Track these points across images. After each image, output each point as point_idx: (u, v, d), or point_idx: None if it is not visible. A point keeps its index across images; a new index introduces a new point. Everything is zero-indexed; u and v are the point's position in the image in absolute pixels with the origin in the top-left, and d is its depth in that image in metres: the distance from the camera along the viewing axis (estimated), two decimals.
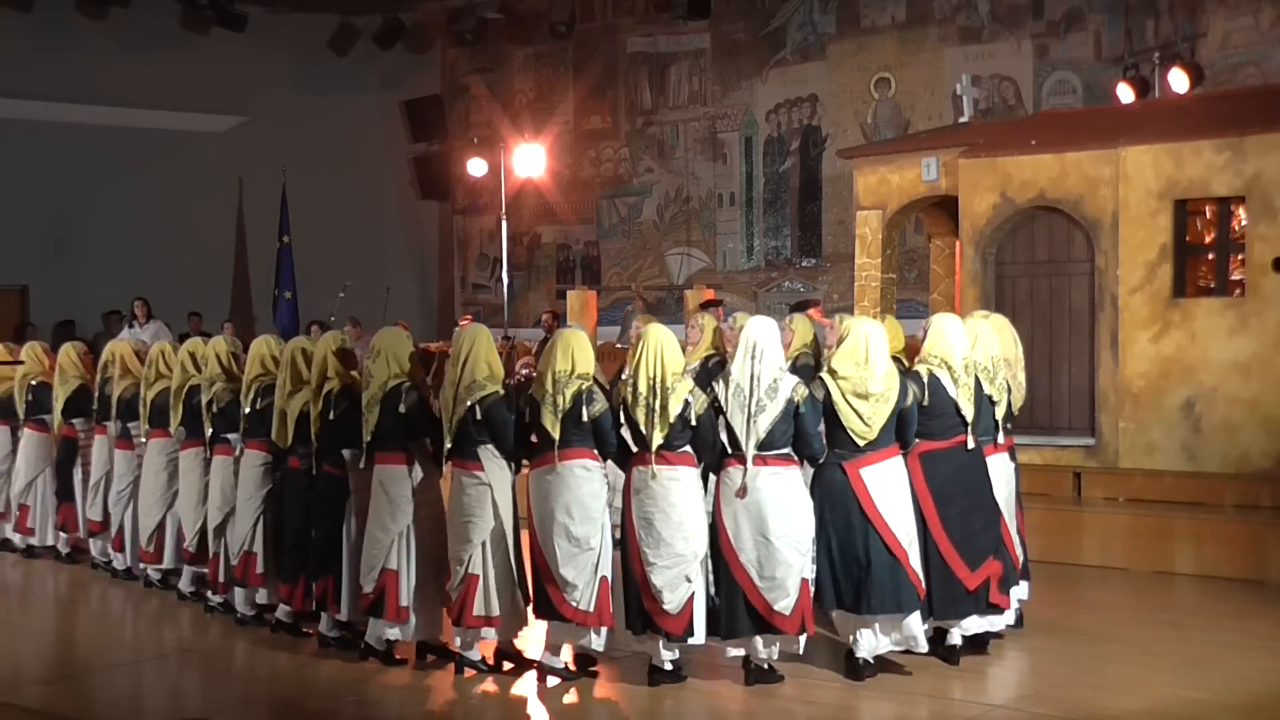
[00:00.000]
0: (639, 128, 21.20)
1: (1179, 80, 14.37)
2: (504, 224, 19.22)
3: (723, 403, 6.79)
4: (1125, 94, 14.92)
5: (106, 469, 9.90)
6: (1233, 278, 10.78)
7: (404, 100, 22.40)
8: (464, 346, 7.13)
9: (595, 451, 6.94)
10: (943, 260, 13.57)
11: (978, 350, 7.37)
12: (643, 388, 6.79)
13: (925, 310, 13.55)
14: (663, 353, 6.83)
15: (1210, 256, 10.98)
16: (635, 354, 6.91)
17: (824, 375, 7.01)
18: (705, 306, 13.47)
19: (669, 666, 6.91)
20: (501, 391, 7.05)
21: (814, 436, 6.84)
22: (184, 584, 9.17)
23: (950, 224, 12.69)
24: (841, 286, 17.63)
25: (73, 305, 19.31)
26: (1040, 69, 17.31)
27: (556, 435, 6.85)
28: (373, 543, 7.30)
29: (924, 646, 6.99)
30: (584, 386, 6.89)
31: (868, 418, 6.87)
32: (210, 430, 8.59)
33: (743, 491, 6.72)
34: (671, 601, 6.74)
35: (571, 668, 7.14)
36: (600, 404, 6.89)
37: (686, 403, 6.76)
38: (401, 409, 7.26)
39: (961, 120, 13.76)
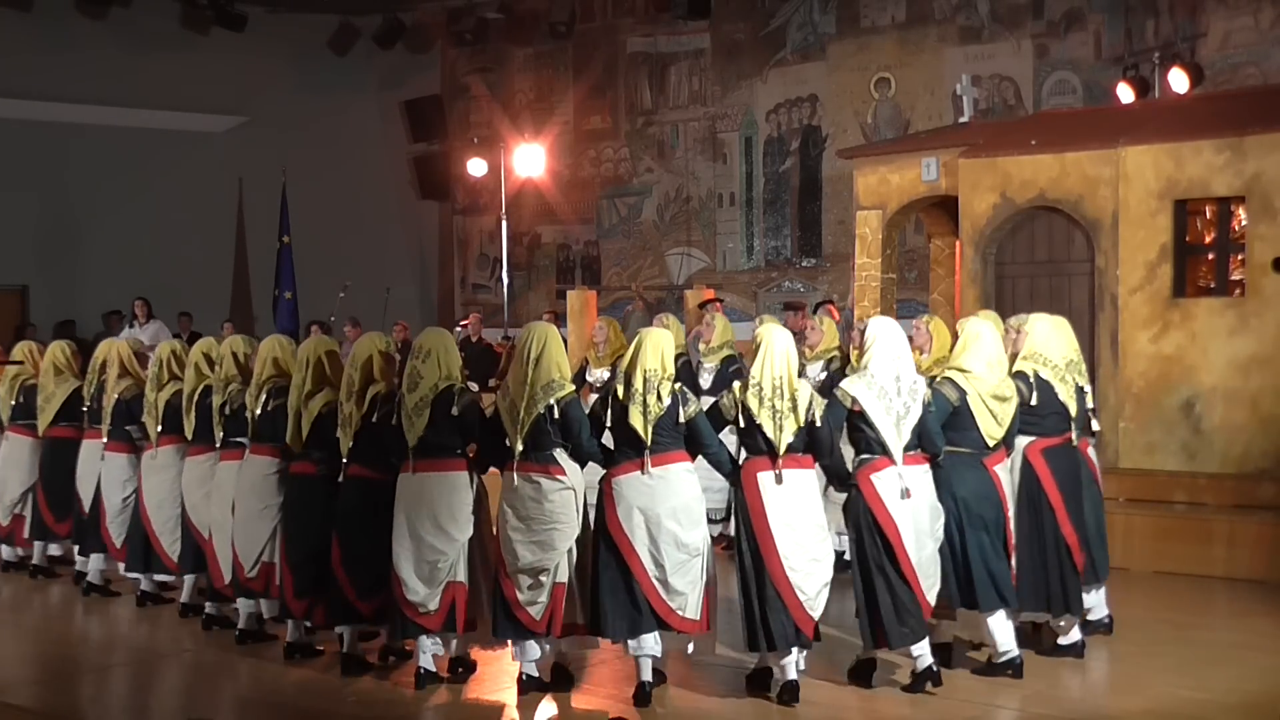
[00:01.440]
0: (639, 128, 21.20)
1: (1179, 80, 14.37)
2: (504, 224, 19.23)
3: (863, 404, 6.69)
4: (1125, 94, 14.91)
5: (98, 475, 9.31)
6: (1233, 278, 10.77)
7: (404, 100, 22.40)
8: (534, 345, 6.77)
9: (688, 453, 6.72)
10: (943, 260, 13.57)
11: (1065, 349, 7.48)
12: (768, 389, 6.60)
13: (925, 310, 13.56)
14: (788, 354, 6.68)
15: (1210, 256, 10.98)
16: (757, 355, 6.70)
17: (954, 376, 6.99)
18: (704, 305, 13.51)
19: (792, 676, 6.68)
20: (575, 391, 6.82)
21: (938, 435, 6.85)
22: (186, 596, 8.73)
23: (950, 224, 12.69)
24: (841, 286, 17.62)
25: (73, 305, 19.31)
26: (1040, 69, 17.31)
27: (648, 438, 6.59)
28: (432, 553, 6.88)
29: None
30: (676, 387, 6.71)
31: (1001, 418, 6.97)
32: (221, 434, 8.18)
33: (908, 493, 6.66)
34: (818, 606, 6.63)
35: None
36: (695, 405, 6.72)
37: (811, 404, 6.63)
38: (455, 411, 6.89)
39: (961, 120, 13.76)
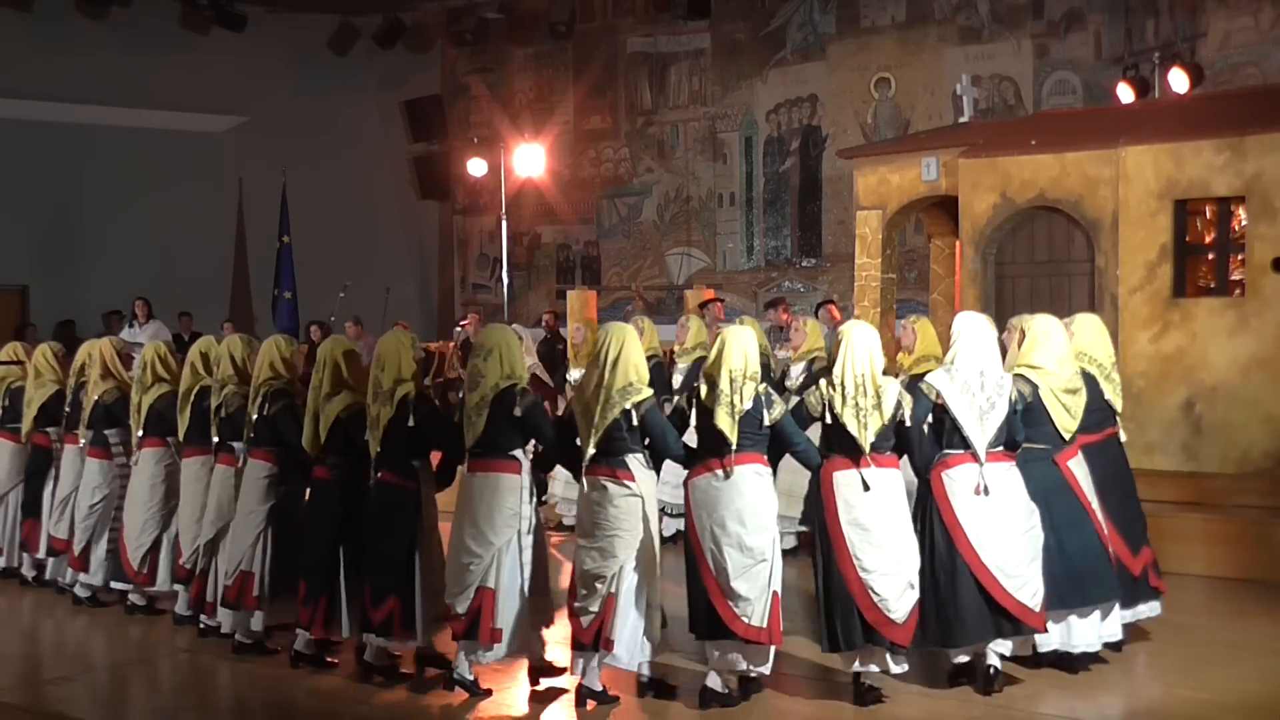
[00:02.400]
0: (639, 128, 21.20)
1: (1179, 80, 14.37)
2: (504, 224, 19.24)
3: (946, 398, 6.63)
4: (1125, 94, 14.91)
5: (77, 482, 9.04)
6: (1233, 278, 10.77)
7: (404, 100, 22.41)
8: (611, 346, 6.54)
9: (766, 456, 6.55)
10: (943, 260, 13.57)
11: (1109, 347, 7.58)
12: (851, 387, 6.49)
13: (925, 310, 13.55)
14: (871, 351, 6.56)
15: (1210, 256, 10.98)
16: (839, 353, 6.58)
17: (1024, 373, 6.94)
18: (704, 305, 13.52)
19: (897, 670, 6.53)
20: (654, 395, 6.61)
21: (1019, 430, 6.80)
22: (180, 607, 8.36)
23: (950, 224, 12.69)
24: (841, 286, 17.64)
25: (73, 305, 19.31)
26: (1040, 69, 17.32)
27: (734, 439, 6.41)
28: (466, 557, 6.70)
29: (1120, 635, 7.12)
30: (761, 388, 6.53)
31: (1074, 412, 6.98)
32: (216, 438, 7.92)
33: (981, 490, 6.58)
34: (899, 609, 6.44)
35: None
36: (780, 406, 6.57)
37: (899, 403, 6.53)
38: (517, 412, 6.68)
39: (961, 120, 13.76)
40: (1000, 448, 6.69)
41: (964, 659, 6.76)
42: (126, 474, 8.76)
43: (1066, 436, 7.02)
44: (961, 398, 6.62)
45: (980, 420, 6.61)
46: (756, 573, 6.37)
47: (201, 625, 8.07)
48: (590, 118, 21.67)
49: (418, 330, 12.97)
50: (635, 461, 6.52)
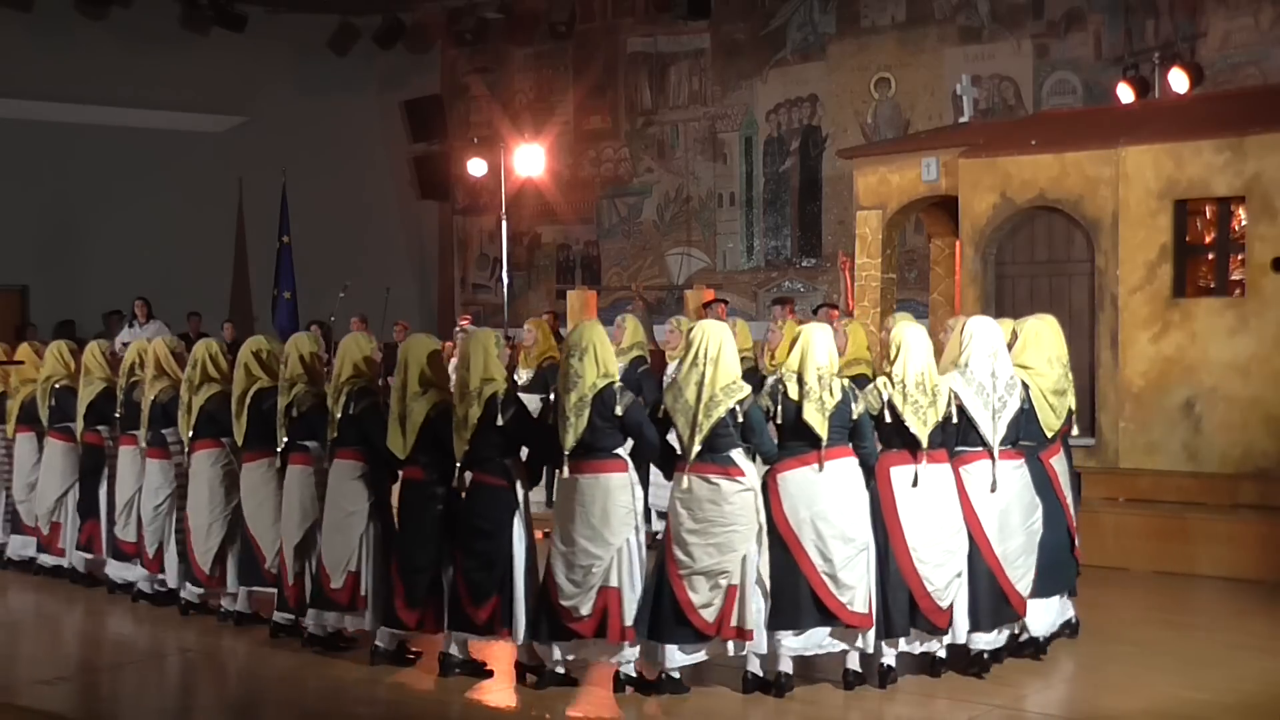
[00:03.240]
0: (639, 128, 21.20)
1: (1179, 80, 14.36)
2: (504, 224, 19.22)
3: (962, 399, 6.90)
4: (1125, 94, 14.91)
5: (139, 484, 8.91)
6: (1233, 278, 10.77)
7: (404, 100, 22.39)
8: (710, 344, 6.64)
9: (852, 448, 6.79)
10: (943, 260, 13.57)
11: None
12: (911, 385, 6.76)
13: (925, 310, 13.56)
14: (926, 351, 6.87)
15: (1210, 256, 10.98)
16: (898, 354, 6.85)
17: (1017, 373, 7.13)
18: (707, 306, 13.53)
19: (942, 654, 6.93)
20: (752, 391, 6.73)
21: (1023, 428, 7.13)
22: (241, 605, 8.33)
23: (950, 224, 12.69)
24: (841, 286, 17.63)
25: (73, 305, 19.30)
26: (1040, 69, 17.31)
27: (825, 434, 6.63)
28: (585, 559, 6.70)
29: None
30: (846, 384, 6.80)
31: (1059, 412, 7.24)
32: (286, 438, 7.78)
33: (994, 486, 6.90)
34: (948, 597, 6.80)
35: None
36: (863, 402, 6.81)
37: (950, 400, 6.85)
38: (618, 411, 6.68)
39: (961, 120, 13.76)
40: (1009, 445, 6.99)
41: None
42: (184, 473, 8.64)
43: (1050, 435, 7.32)
44: (976, 398, 6.90)
45: (994, 419, 6.91)
46: (859, 561, 6.67)
47: (277, 625, 7.96)
48: (590, 118, 21.66)
49: (417, 330, 12.93)
50: (740, 456, 6.66)
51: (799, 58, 19.43)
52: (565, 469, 6.75)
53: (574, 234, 21.95)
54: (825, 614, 6.64)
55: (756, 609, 6.62)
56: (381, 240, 22.62)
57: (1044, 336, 7.43)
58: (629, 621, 6.69)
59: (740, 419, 6.60)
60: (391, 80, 22.66)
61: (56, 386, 9.86)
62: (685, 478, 6.64)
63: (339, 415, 7.46)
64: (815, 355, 6.69)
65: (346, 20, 21.77)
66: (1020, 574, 6.98)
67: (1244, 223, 10.60)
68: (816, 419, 6.61)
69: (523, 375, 11.32)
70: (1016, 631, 7.18)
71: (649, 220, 21.10)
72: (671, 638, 6.65)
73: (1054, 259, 11.50)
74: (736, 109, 20.11)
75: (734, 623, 6.59)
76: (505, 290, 19.95)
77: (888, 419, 6.80)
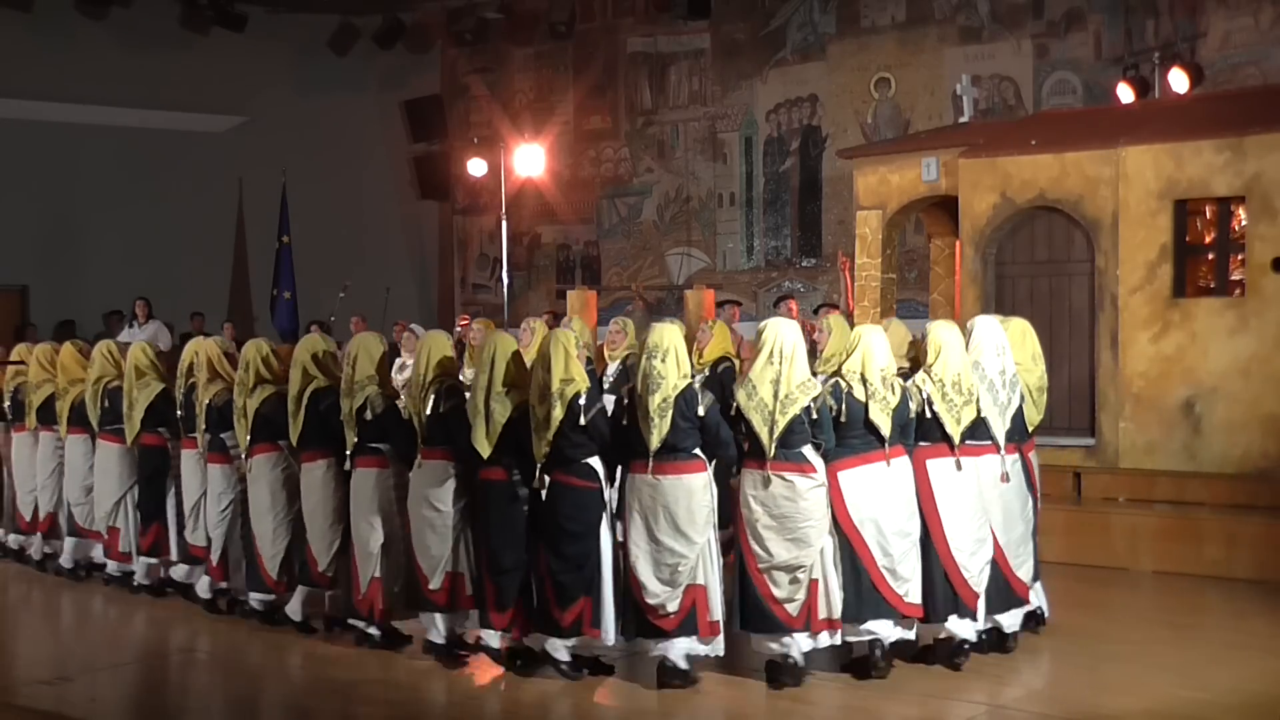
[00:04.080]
0: (639, 128, 21.20)
1: (1179, 80, 14.36)
2: (504, 224, 19.22)
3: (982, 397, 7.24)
4: (1125, 94, 14.91)
5: (204, 488, 8.76)
6: (1233, 278, 10.78)
7: (404, 100, 22.38)
8: (783, 343, 6.82)
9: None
10: (943, 260, 13.57)
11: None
12: (949, 384, 7.13)
13: (925, 310, 13.56)
14: (964, 351, 7.26)
15: (1210, 256, 10.98)
16: (938, 353, 7.19)
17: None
18: (720, 306, 13.60)
19: (974, 638, 7.15)
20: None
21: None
22: (293, 609, 8.21)
23: (950, 224, 12.69)
24: (841, 287, 17.63)
25: (73, 305, 19.29)
26: (1040, 69, 17.31)
27: (890, 433, 6.91)
28: (671, 558, 6.75)
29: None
30: (906, 385, 7.09)
31: (1040, 408, 7.58)
32: (355, 440, 7.61)
33: (1006, 478, 7.30)
34: (981, 583, 7.17)
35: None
36: (915, 402, 7.11)
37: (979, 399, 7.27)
38: (700, 412, 6.76)
39: (961, 120, 13.77)
40: (1010, 440, 7.38)
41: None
42: (243, 476, 8.50)
43: (1030, 429, 7.66)
44: (988, 395, 7.20)
45: (1002, 415, 7.23)
46: (913, 554, 6.97)
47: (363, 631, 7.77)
48: (590, 118, 21.66)
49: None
50: (811, 452, 6.82)
51: (799, 58, 19.43)
52: (650, 469, 6.78)
53: (574, 234, 21.95)
54: (885, 606, 6.88)
55: (838, 600, 6.83)
56: (381, 240, 22.61)
57: (1029, 335, 7.78)
58: (716, 616, 6.86)
59: (814, 416, 6.77)
60: (391, 80, 22.65)
61: (110, 387, 9.58)
62: (760, 474, 6.76)
63: (428, 413, 7.31)
64: (876, 356, 6.94)
65: (346, 20, 21.76)
66: (1021, 561, 7.37)
67: (1244, 223, 10.60)
68: (883, 418, 6.87)
69: (467, 374, 11.33)
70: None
71: (649, 220, 21.10)
72: (757, 627, 6.83)
73: (1054, 259, 11.50)
74: (736, 109, 20.11)
75: (822, 615, 6.80)
76: (505, 290, 19.94)
77: (926, 415, 7.10)
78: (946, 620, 7.08)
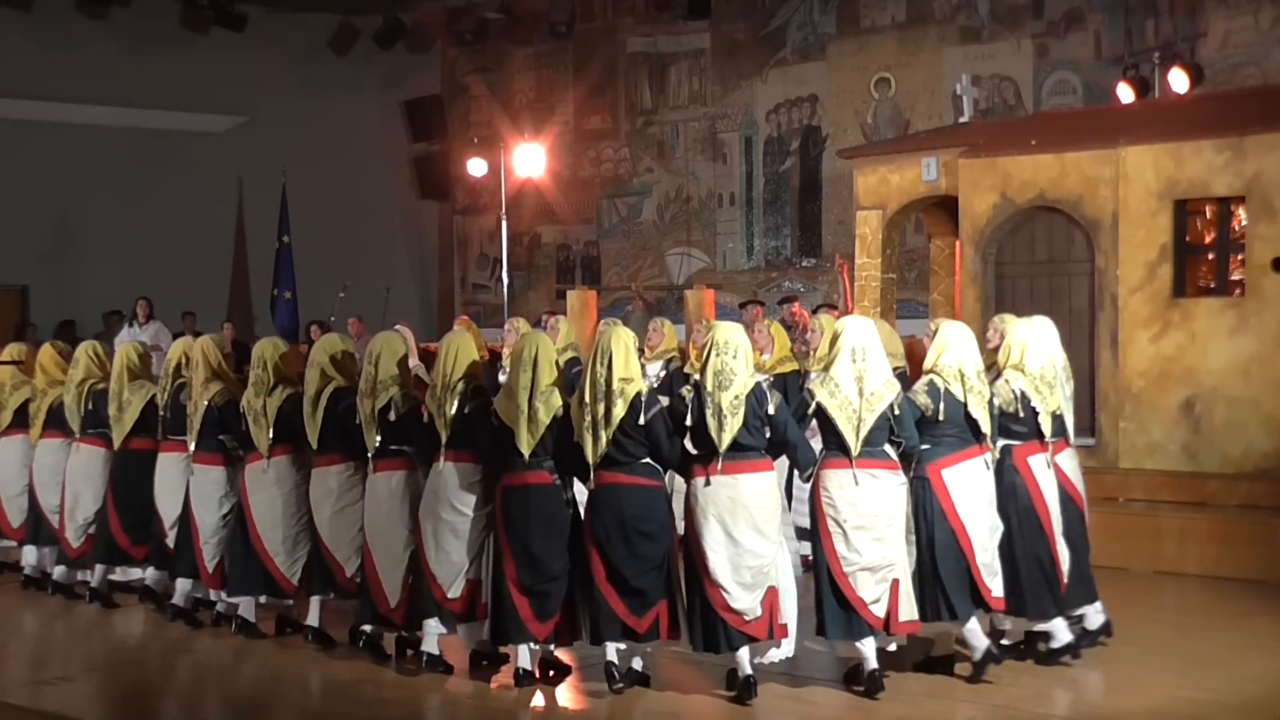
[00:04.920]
0: (639, 128, 21.21)
1: (1179, 80, 14.37)
2: (504, 224, 19.22)
3: (1029, 397, 7.25)
4: (1125, 94, 14.92)
5: (185, 492, 8.39)
6: (1233, 278, 10.77)
7: (404, 100, 22.40)
8: (866, 341, 6.79)
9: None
10: (943, 260, 13.57)
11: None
12: (1039, 380, 7.23)
13: (925, 310, 13.56)
14: (1045, 346, 7.36)
15: (1210, 256, 10.98)
16: (1018, 351, 7.26)
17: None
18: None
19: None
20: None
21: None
22: (313, 619, 7.84)
23: (950, 224, 12.69)
24: (840, 288, 17.63)
25: (73, 305, 19.31)
26: (1040, 69, 17.32)
27: (989, 428, 6.99)
28: (753, 560, 6.58)
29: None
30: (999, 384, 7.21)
31: (1049, 408, 7.40)
32: (379, 440, 7.31)
33: (1048, 466, 7.29)
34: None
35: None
36: (1006, 397, 7.22)
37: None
38: (771, 410, 6.64)
39: (961, 120, 13.77)
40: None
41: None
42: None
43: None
44: (1036, 395, 7.23)
45: (1049, 415, 7.24)
46: (997, 549, 6.99)
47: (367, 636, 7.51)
48: (590, 118, 21.67)
49: (418, 330, 12.94)
50: (892, 450, 6.82)
51: (799, 58, 19.44)
52: (719, 468, 6.60)
53: (574, 234, 21.96)
54: (978, 601, 6.93)
55: (911, 601, 6.79)
56: (381, 240, 22.62)
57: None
58: (786, 619, 6.76)
59: (897, 413, 6.75)
60: (391, 80, 22.66)
61: (95, 389, 9.14)
62: (846, 473, 6.68)
63: (453, 412, 7.04)
64: (970, 353, 7.00)
65: (346, 20, 21.77)
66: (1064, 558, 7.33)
67: (1244, 223, 10.60)
68: (984, 414, 6.92)
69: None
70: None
71: (649, 220, 21.11)
72: (839, 632, 6.71)
73: (1054, 259, 11.50)
74: (736, 109, 20.12)
75: (903, 617, 6.71)
76: (505, 290, 19.94)
77: (1021, 412, 7.15)
78: (1076, 610, 7.23)
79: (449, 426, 7.04)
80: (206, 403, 8.21)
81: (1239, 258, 10.66)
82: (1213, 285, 10.92)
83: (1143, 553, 9.86)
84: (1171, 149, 10.82)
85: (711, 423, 6.59)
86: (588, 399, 6.74)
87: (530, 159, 19.57)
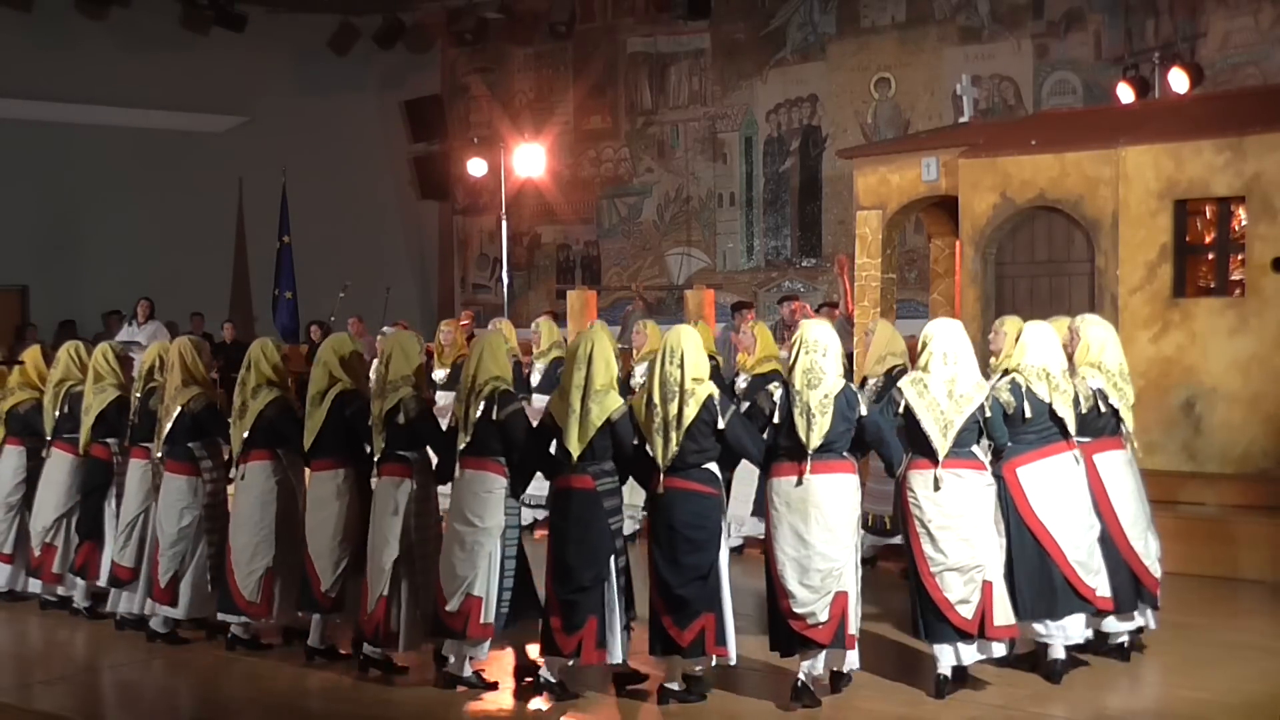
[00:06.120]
0: (639, 128, 21.21)
1: (1179, 80, 14.37)
2: (504, 224, 19.23)
3: (1108, 392, 7.25)
4: (1125, 94, 14.91)
5: (147, 503, 8.00)
6: (1233, 278, 10.77)
7: (404, 100, 22.41)
8: (957, 343, 6.76)
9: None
10: (943, 260, 13.56)
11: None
12: (1119, 377, 7.23)
13: (925, 310, 13.55)
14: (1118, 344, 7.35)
15: (1210, 256, 10.97)
16: (1096, 349, 7.23)
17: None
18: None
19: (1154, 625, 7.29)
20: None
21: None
22: (314, 639, 7.45)
23: (950, 224, 12.68)
24: (840, 288, 17.63)
25: (73, 305, 19.31)
26: (1040, 69, 17.32)
27: (1074, 425, 6.96)
28: (824, 563, 6.43)
29: None
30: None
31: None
32: (384, 445, 7.03)
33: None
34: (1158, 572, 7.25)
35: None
36: (1085, 395, 7.18)
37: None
38: (862, 411, 6.54)
39: (961, 120, 13.75)
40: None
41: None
42: (213, 491, 7.86)
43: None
44: (1114, 392, 7.23)
45: (1128, 410, 7.25)
46: (1096, 547, 6.96)
47: (364, 655, 7.17)
48: (590, 118, 21.67)
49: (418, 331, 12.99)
50: (980, 450, 6.81)
51: (799, 58, 19.44)
52: (809, 468, 6.47)
53: (574, 234, 21.96)
54: (1078, 601, 6.87)
55: (1005, 604, 6.67)
56: (381, 240, 22.63)
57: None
58: (853, 628, 6.54)
59: (988, 414, 6.75)
60: (391, 80, 22.67)
61: (72, 391, 8.72)
62: (931, 474, 6.62)
63: (476, 416, 6.76)
64: (1054, 351, 7.00)
65: (346, 20, 21.78)
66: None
67: (1244, 223, 10.59)
68: (1068, 411, 6.90)
69: (439, 374, 11.43)
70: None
71: (649, 220, 21.11)
72: (936, 636, 6.63)
73: (1054, 259, 11.49)
74: (736, 109, 20.12)
75: (998, 621, 6.58)
76: (505, 290, 19.95)
77: (1101, 409, 7.15)
78: (1134, 611, 7.15)
79: (470, 432, 6.79)
80: (180, 408, 7.76)
81: (1239, 258, 10.66)
82: (1213, 285, 10.91)
83: None
84: (1171, 149, 10.81)
85: (800, 422, 6.47)
86: (657, 399, 6.53)
87: (530, 159, 19.58)
